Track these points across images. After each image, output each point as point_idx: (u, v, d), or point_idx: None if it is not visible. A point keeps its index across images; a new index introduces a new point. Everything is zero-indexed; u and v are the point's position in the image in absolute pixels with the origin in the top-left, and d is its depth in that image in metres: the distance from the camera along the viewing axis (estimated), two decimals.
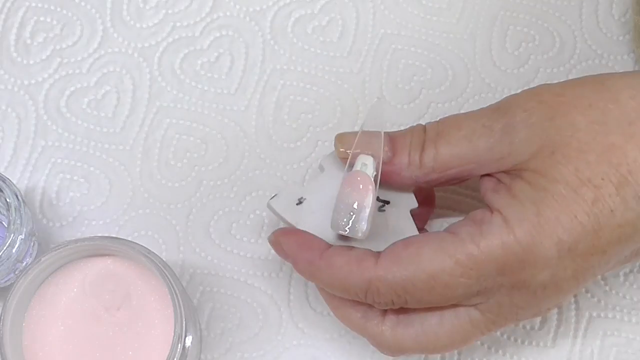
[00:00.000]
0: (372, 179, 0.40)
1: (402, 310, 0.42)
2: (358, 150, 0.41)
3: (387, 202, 0.43)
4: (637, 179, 0.38)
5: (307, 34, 0.53)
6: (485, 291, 0.40)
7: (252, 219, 0.50)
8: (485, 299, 0.40)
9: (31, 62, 0.52)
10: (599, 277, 0.49)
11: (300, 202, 0.43)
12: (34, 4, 0.53)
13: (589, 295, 0.49)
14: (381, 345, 0.43)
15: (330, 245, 0.42)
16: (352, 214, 0.40)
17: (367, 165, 0.41)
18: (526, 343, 0.49)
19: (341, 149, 0.42)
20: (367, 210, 0.40)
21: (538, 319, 0.49)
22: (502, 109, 0.41)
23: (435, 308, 0.41)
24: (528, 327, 0.49)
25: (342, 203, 0.40)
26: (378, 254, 0.41)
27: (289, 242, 0.42)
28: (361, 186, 0.40)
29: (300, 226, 0.43)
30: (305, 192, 0.43)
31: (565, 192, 0.38)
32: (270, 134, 0.51)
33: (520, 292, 0.40)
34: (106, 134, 0.51)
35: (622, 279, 0.49)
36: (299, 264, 0.42)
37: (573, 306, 0.49)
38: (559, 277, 0.39)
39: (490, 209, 0.40)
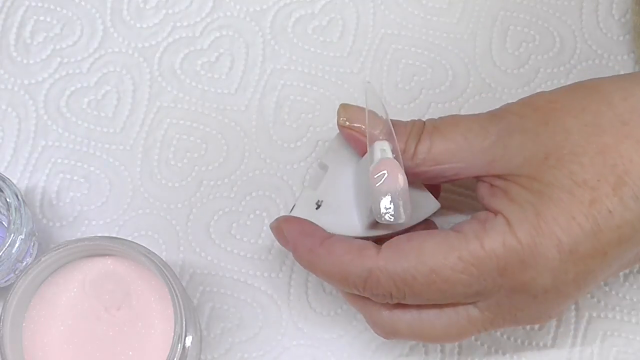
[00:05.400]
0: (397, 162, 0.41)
1: None
2: (362, 126, 0.42)
3: None
4: (634, 178, 0.38)
5: (307, 34, 0.53)
6: (485, 291, 0.40)
7: (252, 219, 0.50)
8: (484, 298, 0.40)
9: (31, 61, 0.52)
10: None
11: (319, 206, 0.44)
12: (33, 4, 0.53)
13: (588, 295, 0.49)
14: (376, 324, 0.43)
15: (331, 235, 0.42)
16: (391, 201, 0.40)
17: (385, 151, 0.41)
18: (526, 343, 0.49)
19: (342, 118, 0.43)
20: (405, 193, 0.40)
21: None
22: (498, 115, 0.42)
23: (433, 305, 0.41)
24: (528, 327, 0.49)
25: (379, 193, 0.40)
26: (380, 246, 0.41)
27: (290, 228, 0.43)
28: (391, 171, 0.40)
29: (328, 228, 0.43)
30: (319, 195, 0.44)
31: (561, 195, 0.38)
32: (270, 134, 0.51)
33: (521, 294, 0.40)
34: (106, 134, 0.51)
35: (622, 279, 0.49)
36: (299, 251, 0.42)
37: (573, 306, 0.49)
38: (560, 280, 0.39)
39: (492, 211, 0.40)
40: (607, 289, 0.49)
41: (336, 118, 0.43)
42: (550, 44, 0.53)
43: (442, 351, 0.48)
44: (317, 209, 0.44)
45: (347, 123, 0.43)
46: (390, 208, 0.40)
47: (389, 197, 0.40)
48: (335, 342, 0.49)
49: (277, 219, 0.44)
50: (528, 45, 0.53)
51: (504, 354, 0.48)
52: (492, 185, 0.41)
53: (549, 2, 0.53)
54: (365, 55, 0.52)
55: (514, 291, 0.39)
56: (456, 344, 0.48)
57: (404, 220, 0.40)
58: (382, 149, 0.41)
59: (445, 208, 0.50)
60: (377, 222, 0.42)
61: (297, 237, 0.42)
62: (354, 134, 0.43)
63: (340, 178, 0.44)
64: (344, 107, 0.43)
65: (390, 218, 0.40)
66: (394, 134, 0.41)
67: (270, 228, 0.44)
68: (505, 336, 0.49)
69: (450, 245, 0.39)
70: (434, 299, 0.40)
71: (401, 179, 0.40)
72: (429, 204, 0.44)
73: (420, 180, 0.43)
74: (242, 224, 0.50)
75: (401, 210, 0.40)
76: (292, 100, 0.52)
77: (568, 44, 0.52)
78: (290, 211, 0.44)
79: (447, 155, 0.41)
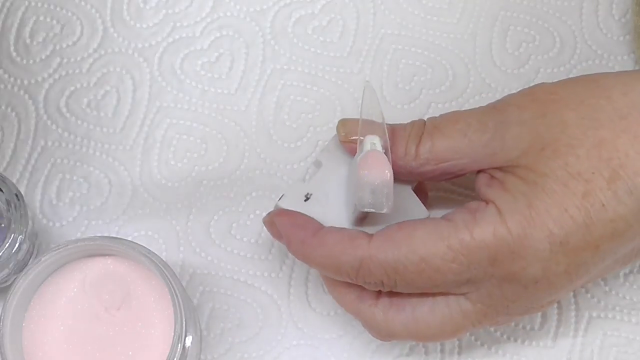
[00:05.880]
0: (385, 155, 0.41)
1: (394, 294, 0.42)
2: (362, 137, 0.42)
3: None
4: (629, 173, 0.38)
5: (307, 34, 0.53)
6: (476, 280, 0.40)
7: (252, 219, 0.50)
8: (475, 288, 0.41)
9: (31, 61, 0.52)
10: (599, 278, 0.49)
11: (307, 198, 0.44)
12: (33, 3, 0.53)
13: (589, 295, 0.49)
14: (372, 327, 0.43)
15: (324, 226, 0.43)
16: (376, 190, 0.40)
17: (375, 144, 0.41)
18: (526, 343, 0.49)
19: (342, 133, 0.43)
20: (389, 184, 0.40)
21: (538, 320, 0.49)
22: (497, 107, 0.42)
23: (426, 294, 0.42)
24: (528, 327, 0.49)
25: (364, 182, 0.40)
26: (371, 235, 0.41)
27: (282, 222, 0.43)
28: (377, 163, 0.41)
29: None
30: (309, 188, 0.44)
31: (555, 186, 0.39)
32: (270, 134, 0.51)
33: (511, 284, 0.40)
34: (106, 133, 0.51)
35: (622, 279, 0.49)
36: (292, 243, 0.43)
37: (573, 306, 0.49)
38: (551, 271, 0.39)
39: (485, 200, 0.40)
40: (607, 288, 0.49)
41: (337, 134, 0.44)
42: (550, 44, 0.53)
43: (442, 351, 0.48)
44: (305, 201, 0.44)
45: (347, 138, 0.44)
46: (372, 197, 0.40)
47: (373, 186, 0.40)
48: (335, 342, 0.49)
49: (269, 213, 0.44)
50: (528, 45, 0.53)
51: (504, 354, 0.48)
52: (492, 176, 0.41)
53: (549, 2, 0.53)
54: (365, 55, 0.52)
55: (504, 281, 0.40)
56: (456, 344, 0.48)
57: (385, 211, 0.40)
58: (372, 142, 0.41)
59: (445, 208, 0.50)
60: (364, 219, 0.43)
61: (289, 229, 0.43)
62: (355, 146, 0.43)
63: (332, 175, 0.44)
64: (342, 123, 0.44)
65: (371, 207, 0.40)
66: (387, 134, 0.42)
67: (264, 222, 0.44)
68: (505, 336, 0.49)
69: (440, 234, 0.40)
70: (425, 288, 0.41)
71: (387, 172, 0.40)
72: (418, 211, 0.44)
73: (427, 179, 0.44)
74: (242, 224, 0.50)
75: (384, 200, 0.40)
76: (292, 100, 0.52)
77: (568, 44, 0.52)
78: (278, 200, 0.44)
79: (450, 152, 0.42)
